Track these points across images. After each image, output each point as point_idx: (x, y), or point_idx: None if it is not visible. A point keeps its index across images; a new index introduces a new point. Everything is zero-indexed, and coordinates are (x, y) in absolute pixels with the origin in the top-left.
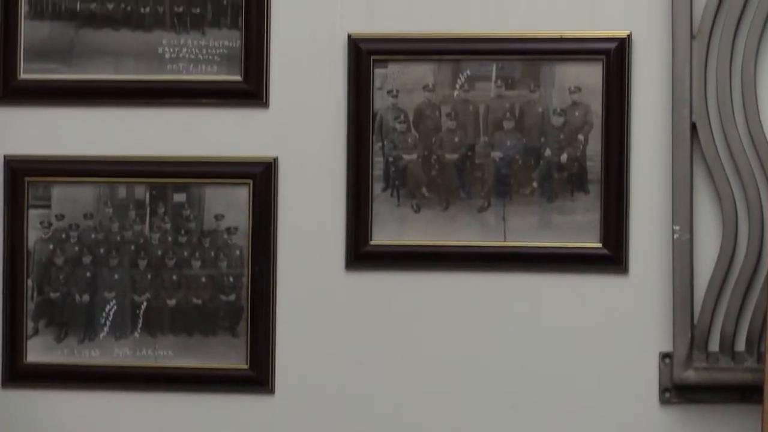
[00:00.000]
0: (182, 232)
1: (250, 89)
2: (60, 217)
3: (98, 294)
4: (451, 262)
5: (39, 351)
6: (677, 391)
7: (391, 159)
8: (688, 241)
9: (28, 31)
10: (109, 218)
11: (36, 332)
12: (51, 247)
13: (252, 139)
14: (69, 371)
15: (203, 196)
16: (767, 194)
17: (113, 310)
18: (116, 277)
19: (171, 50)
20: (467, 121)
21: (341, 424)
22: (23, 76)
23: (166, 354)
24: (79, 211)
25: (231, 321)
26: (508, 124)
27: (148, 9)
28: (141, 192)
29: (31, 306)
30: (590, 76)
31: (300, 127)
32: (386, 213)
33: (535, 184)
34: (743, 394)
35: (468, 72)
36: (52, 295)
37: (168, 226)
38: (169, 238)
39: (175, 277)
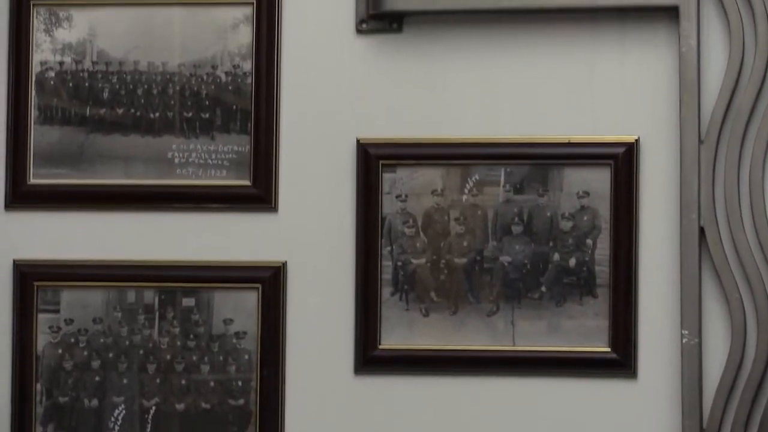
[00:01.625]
0: (191, 336)
1: (259, 194)
2: (69, 321)
3: (107, 398)
4: (460, 367)
5: None
6: None
7: (399, 263)
8: (697, 345)
9: (38, 136)
10: (118, 323)
11: None
12: (60, 351)
13: (261, 243)
14: None
15: (212, 300)
16: None
17: (122, 414)
18: (125, 381)
19: (180, 155)
20: (476, 226)
21: None
22: (33, 180)
23: None
24: (88, 315)
25: (240, 425)
26: (516, 229)
27: (157, 114)
28: (150, 296)
29: (39, 410)
30: (598, 180)
31: (309, 232)
32: (395, 317)
33: (543, 289)
34: None
35: (476, 176)
36: (61, 399)
37: (177, 330)
38: (178, 343)
39: (183, 382)
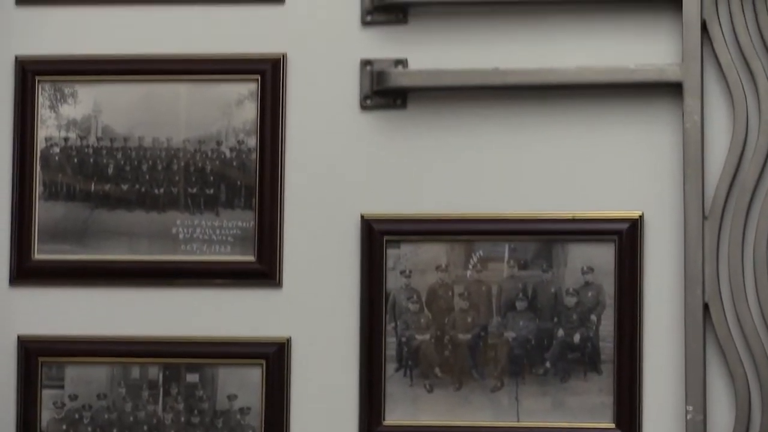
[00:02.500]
0: (195, 412)
1: (263, 269)
2: (73, 397)
3: None
4: None
5: None
6: None
7: (404, 339)
8: (702, 421)
9: (43, 212)
10: (122, 398)
11: None
12: (64, 427)
13: (265, 319)
14: None
15: (216, 376)
16: None
17: None
18: None
19: (185, 231)
20: (480, 302)
21: None
22: (37, 256)
23: None
24: (92, 391)
25: None
26: (520, 305)
27: (162, 190)
28: (154, 372)
29: None
30: (603, 256)
31: (313, 307)
32: (399, 393)
33: (548, 365)
34: None
35: (481, 252)
36: None
37: (181, 406)
38: (182, 419)
39: None
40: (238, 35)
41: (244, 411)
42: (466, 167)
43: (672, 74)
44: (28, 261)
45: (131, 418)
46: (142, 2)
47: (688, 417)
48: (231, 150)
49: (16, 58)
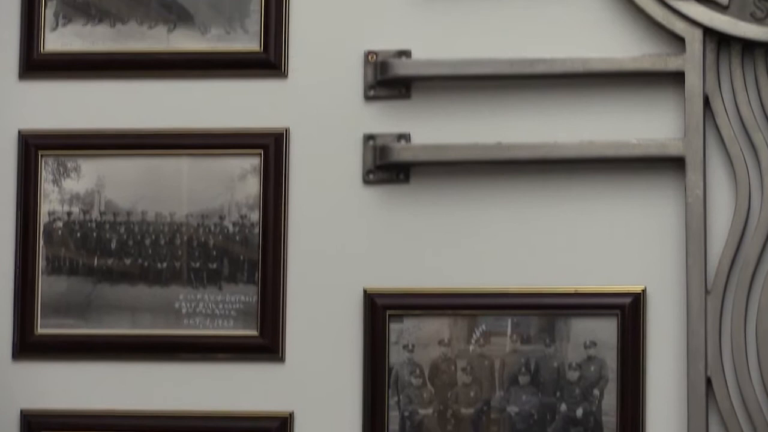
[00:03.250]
0: None
1: (266, 344)
2: None
3: None
4: None
5: None
6: None
7: (406, 414)
8: None
9: (46, 286)
10: None
11: None
12: None
13: (268, 393)
14: None
15: None
16: None
17: None
18: None
19: (188, 305)
20: (483, 376)
21: None
22: (40, 330)
23: None
24: None
25: None
26: (523, 379)
27: (164, 264)
28: None
29: None
30: (605, 330)
31: (315, 381)
32: None
33: None
34: None
35: (483, 327)
36: None
37: None
38: None
39: None
40: (241, 109)
41: None
42: (468, 241)
43: (674, 149)
44: (30, 335)
45: None
46: (145, 77)
47: None
48: (234, 224)
49: (19, 132)
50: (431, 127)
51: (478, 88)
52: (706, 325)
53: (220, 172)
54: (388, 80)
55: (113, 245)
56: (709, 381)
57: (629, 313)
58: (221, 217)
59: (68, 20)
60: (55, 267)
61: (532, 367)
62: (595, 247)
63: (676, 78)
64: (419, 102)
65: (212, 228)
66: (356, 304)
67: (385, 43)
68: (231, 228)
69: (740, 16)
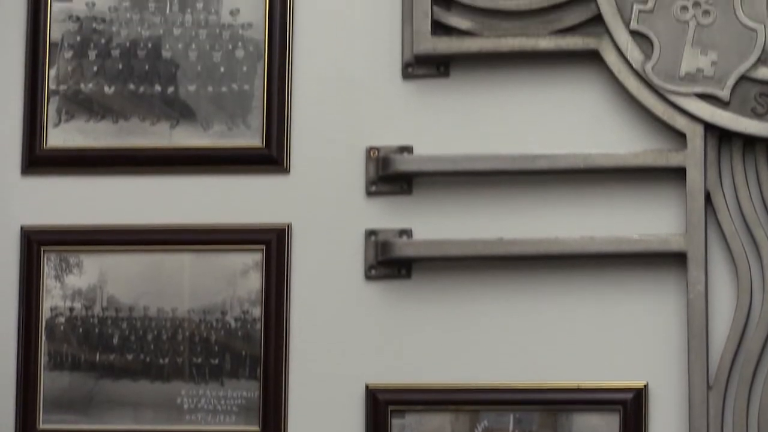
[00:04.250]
0: None
1: None
2: None
3: None
4: None
5: None
6: None
7: None
8: None
9: (47, 382)
10: None
11: None
12: None
13: None
14: None
15: None
16: None
17: None
18: None
19: (190, 401)
20: None
21: None
22: (42, 426)
23: None
24: None
25: None
26: None
27: (166, 360)
28: None
29: None
30: (607, 425)
31: None
32: None
33: None
34: None
35: (486, 422)
36: None
37: None
38: None
39: None
40: (243, 205)
41: None
42: (470, 337)
43: (676, 244)
44: (33, 430)
45: None
46: (148, 173)
47: None
48: (236, 320)
49: (22, 228)
50: (433, 223)
51: (480, 184)
52: (708, 421)
53: (222, 268)
54: (390, 176)
55: (115, 341)
56: None
57: (631, 408)
58: (223, 313)
59: (71, 116)
60: (57, 362)
61: None
62: (596, 343)
63: (678, 173)
64: (421, 197)
65: (214, 323)
66: (358, 399)
67: (387, 138)
68: (233, 323)
69: (741, 111)
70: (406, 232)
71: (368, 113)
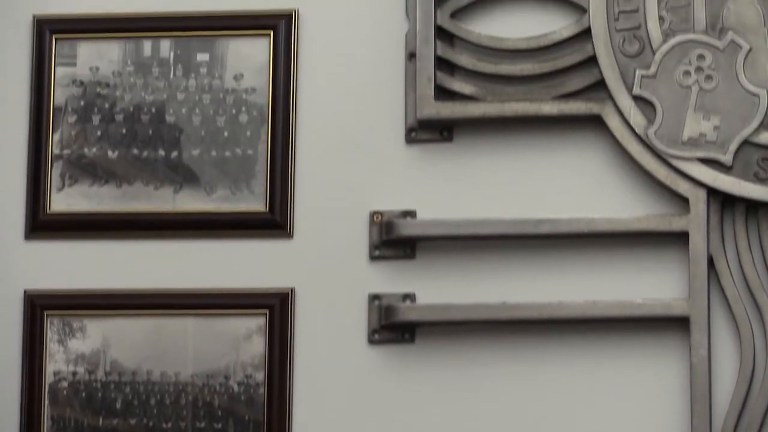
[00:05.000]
0: None
1: None
2: None
3: None
4: None
5: None
6: None
7: None
8: None
9: None
10: None
11: None
12: None
13: None
14: None
15: None
16: None
17: None
18: None
19: None
20: None
21: None
22: None
23: None
24: None
25: None
26: None
27: (170, 424)
28: None
29: None
30: None
31: None
32: None
33: None
34: None
35: None
36: None
37: None
38: None
39: None
40: (247, 269)
41: None
42: (474, 402)
43: (679, 309)
44: None
45: None
46: (151, 237)
47: None
48: (239, 384)
49: (25, 292)
50: (436, 287)
51: (483, 248)
52: None
53: (225, 332)
54: (394, 240)
55: (118, 405)
56: None
57: None
58: (226, 377)
59: (75, 180)
60: (60, 427)
61: None
62: (600, 406)
63: (681, 238)
64: (424, 262)
65: (217, 388)
66: None
67: (391, 203)
68: (236, 388)
69: (744, 176)
70: (410, 297)
71: (372, 177)
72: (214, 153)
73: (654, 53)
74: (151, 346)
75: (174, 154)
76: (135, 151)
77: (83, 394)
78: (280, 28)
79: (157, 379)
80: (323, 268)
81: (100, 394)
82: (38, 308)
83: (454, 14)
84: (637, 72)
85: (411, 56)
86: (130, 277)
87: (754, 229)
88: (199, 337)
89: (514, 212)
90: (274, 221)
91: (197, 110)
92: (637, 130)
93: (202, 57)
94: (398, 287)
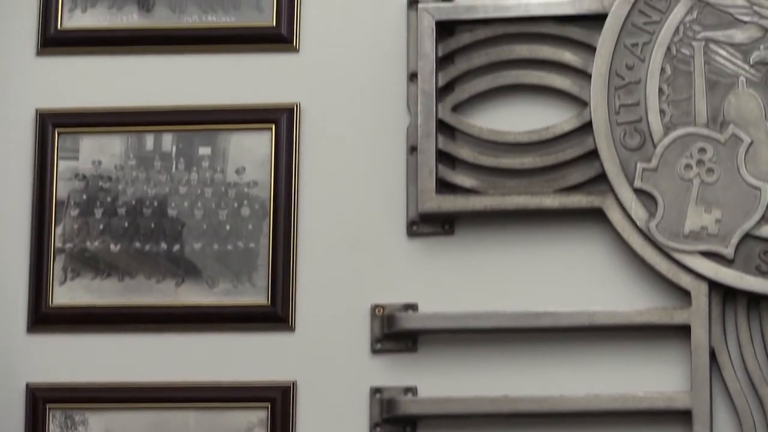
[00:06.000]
0: None
1: None
2: None
3: None
4: None
5: None
6: None
7: None
8: None
9: None
10: None
11: None
12: None
13: None
14: None
15: None
16: None
17: None
18: None
19: None
20: None
21: None
22: None
23: None
24: None
25: None
26: None
27: None
28: None
29: None
30: None
31: None
32: None
33: None
34: None
35: None
36: None
37: None
38: None
39: None
40: (248, 363)
41: None
42: None
43: (681, 402)
44: None
45: None
46: (153, 330)
47: None
48: None
49: (27, 385)
50: (438, 380)
51: (485, 341)
52: None
53: (226, 425)
54: (395, 334)
55: None
56: None
57: None
58: None
59: (77, 274)
60: None
61: None
62: None
63: (683, 330)
64: (426, 355)
65: None
66: None
67: (392, 296)
68: None
69: (746, 269)
70: (411, 390)
71: (373, 271)
72: (215, 246)
73: (655, 146)
74: None
75: (176, 247)
76: (137, 244)
77: None
78: (281, 121)
79: None
80: (325, 361)
81: None
82: (40, 401)
83: (456, 108)
84: (639, 165)
85: (412, 150)
86: (132, 370)
87: (756, 321)
88: (201, 431)
89: (515, 305)
90: (275, 314)
91: (199, 204)
92: (638, 224)
93: (204, 150)
94: (400, 380)
